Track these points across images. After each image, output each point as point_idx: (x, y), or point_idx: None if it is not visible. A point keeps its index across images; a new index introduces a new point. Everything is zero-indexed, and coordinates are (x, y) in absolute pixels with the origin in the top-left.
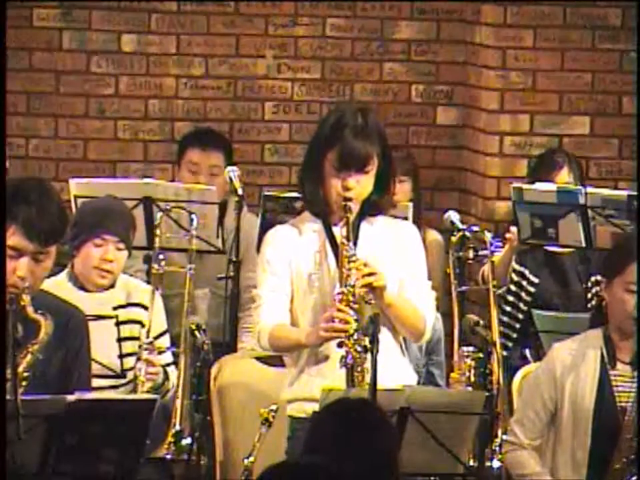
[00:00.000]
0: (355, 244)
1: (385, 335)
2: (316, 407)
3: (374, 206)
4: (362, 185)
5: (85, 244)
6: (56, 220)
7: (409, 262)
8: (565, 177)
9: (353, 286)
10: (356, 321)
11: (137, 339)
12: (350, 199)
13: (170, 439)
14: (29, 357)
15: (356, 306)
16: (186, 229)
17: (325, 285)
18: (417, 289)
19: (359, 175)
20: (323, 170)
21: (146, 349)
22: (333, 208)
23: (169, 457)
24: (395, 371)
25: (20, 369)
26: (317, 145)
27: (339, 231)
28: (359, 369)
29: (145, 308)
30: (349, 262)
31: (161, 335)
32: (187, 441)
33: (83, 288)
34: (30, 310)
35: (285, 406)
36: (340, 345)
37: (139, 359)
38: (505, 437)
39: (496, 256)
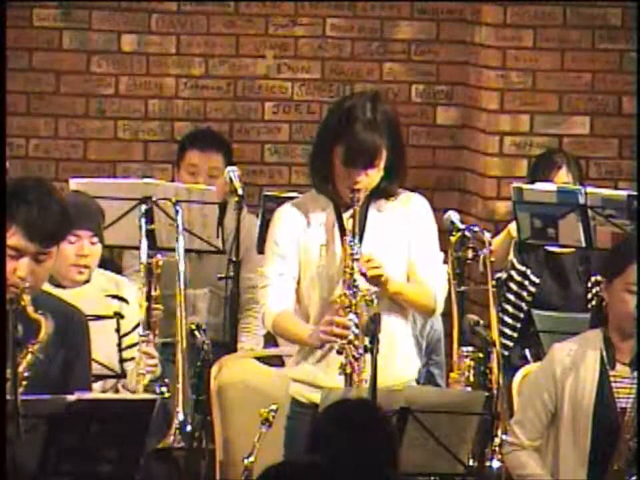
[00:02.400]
0: (363, 232)
1: (393, 320)
2: (316, 394)
3: (383, 193)
4: (370, 178)
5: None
6: (57, 220)
7: (419, 237)
8: (563, 177)
9: (356, 286)
10: (356, 326)
11: (117, 331)
12: (358, 190)
13: (173, 430)
14: (29, 356)
15: (358, 310)
16: (188, 229)
17: (333, 273)
18: (426, 265)
19: (368, 168)
20: (332, 162)
21: (143, 341)
22: (341, 196)
23: (175, 445)
24: (402, 356)
25: (20, 369)
26: (325, 137)
27: (347, 215)
28: (356, 377)
29: (122, 299)
30: (352, 260)
31: (138, 325)
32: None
33: (59, 285)
34: (30, 310)
35: (289, 384)
36: (340, 352)
37: (121, 350)
38: (504, 437)
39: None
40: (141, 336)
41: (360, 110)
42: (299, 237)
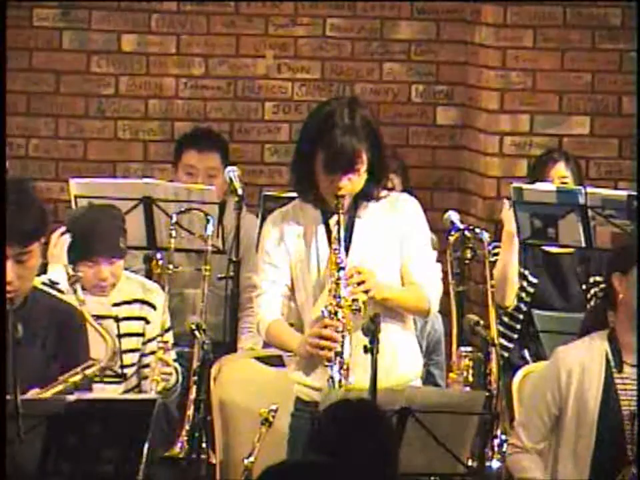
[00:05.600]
0: (350, 238)
1: (394, 319)
2: (319, 395)
3: (366, 196)
4: (353, 183)
5: (79, 265)
6: (35, 220)
7: (410, 236)
8: (561, 171)
9: (341, 297)
10: (343, 336)
11: (141, 335)
12: (342, 197)
13: (182, 438)
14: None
15: (344, 320)
16: (188, 229)
17: (322, 278)
18: (419, 265)
19: (349, 173)
20: (314, 169)
21: (161, 348)
22: (327, 202)
23: (182, 456)
24: (406, 355)
25: (61, 388)
26: (305, 144)
27: (333, 222)
28: (344, 381)
29: (150, 305)
30: (338, 270)
31: (167, 331)
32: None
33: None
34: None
35: (292, 383)
36: (329, 361)
37: (143, 355)
38: (506, 438)
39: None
40: (158, 342)
41: (338, 115)
42: (288, 245)
